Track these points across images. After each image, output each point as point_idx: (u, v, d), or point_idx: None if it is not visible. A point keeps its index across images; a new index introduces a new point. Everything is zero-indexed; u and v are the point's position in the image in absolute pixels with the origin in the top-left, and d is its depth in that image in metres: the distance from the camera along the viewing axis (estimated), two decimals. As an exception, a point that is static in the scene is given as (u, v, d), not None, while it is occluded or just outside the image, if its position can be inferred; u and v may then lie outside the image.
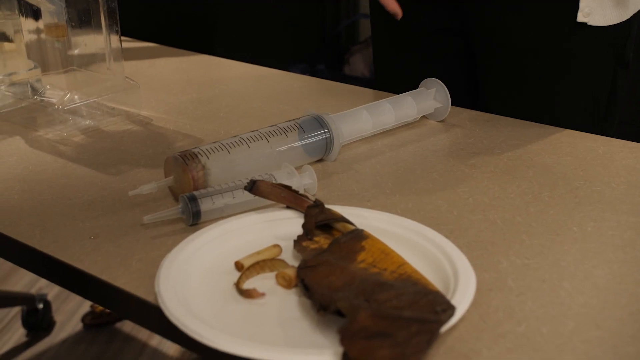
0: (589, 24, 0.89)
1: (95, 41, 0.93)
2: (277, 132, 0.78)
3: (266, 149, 0.76)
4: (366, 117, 0.84)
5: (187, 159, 0.71)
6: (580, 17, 0.88)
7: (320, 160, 0.81)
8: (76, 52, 0.93)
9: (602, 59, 0.93)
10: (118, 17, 0.93)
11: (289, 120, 0.80)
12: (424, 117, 0.94)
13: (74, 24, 0.90)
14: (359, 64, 2.32)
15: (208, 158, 0.72)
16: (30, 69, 0.95)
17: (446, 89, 0.89)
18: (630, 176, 0.77)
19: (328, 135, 0.80)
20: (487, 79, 1.01)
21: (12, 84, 0.96)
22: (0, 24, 0.95)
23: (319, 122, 0.80)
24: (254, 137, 0.76)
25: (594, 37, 0.90)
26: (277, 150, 0.77)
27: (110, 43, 0.93)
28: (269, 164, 0.76)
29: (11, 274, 2.02)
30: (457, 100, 1.01)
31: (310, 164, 0.79)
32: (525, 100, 0.97)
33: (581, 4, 0.88)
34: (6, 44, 0.96)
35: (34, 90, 0.94)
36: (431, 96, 0.91)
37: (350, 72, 2.35)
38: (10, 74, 0.96)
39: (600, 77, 0.94)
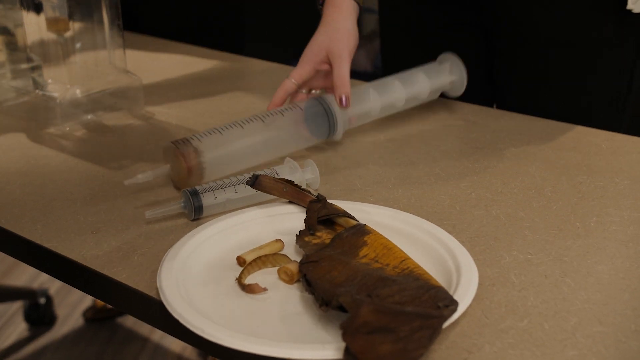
0: (633, 11, 0.88)
1: (97, 35, 0.93)
2: (273, 113, 0.78)
3: (262, 131, 0.76)
4: (374, 96, 0.83)
5: (179, 143, 0.72)
6: (630, 4, 0.87)
7: (323, 152, 0.81)
8: (78, 46, 0.92)
9: (624, 51, 0.92)
10: (120, 11, 0.92)
11: (288, 105, 0.80)
12: (432, 102, 0.92)
13: (75, 18, 0.90)
14: (362, 58, 2.32)
15: (200, 140, 0.72)
16: (33, 63, 0.95)
17: (461, 62, 0.87)
18: (634, 171, 0.76)
19: (328, 110, 0.79)
20: (506, 74, 0.99)
21: (15, 78, 0.95)
22: (1, 18, 0.95)
23: (320, 103, 0.80)
24: (248, 120, 0.76)
25: (621, 27, 0.90)
26: (274, 129, 0.76)
27: (112, 37, 0.93)
28: (266, 144, 0.76)
29: (13, 268, 2.03)
30: (471, 95, 1.00)
31: (314, 155, 0.79)
32: (547, 95, 0.96)
33: None
34: (8, 38, 0.95)
35: (36, 84, 0.94)
36: (446, 71, 0.88)
37: (353, 66, 2.34)
38: (12, 67, 0.95)
39: (622, 69, 0.93)
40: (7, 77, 0.96)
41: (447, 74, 0.88)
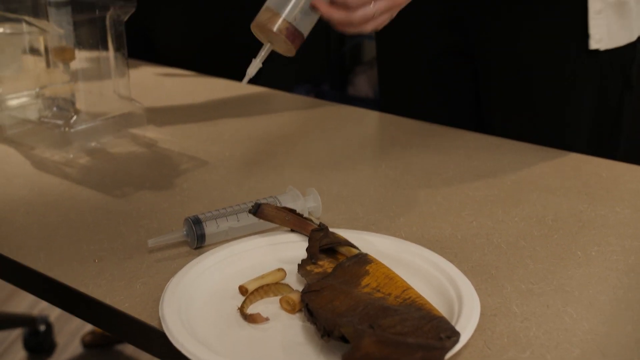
0: (600, 49, 0.89)
1: (102, 63, 0.94)
2: None
3: None
4: None
5: None
6: (593, 44, 0.89)
7: (326, 179, 0.81)
8: (83, 74, 0.93)
9: (608, 81, 0.93)
10: (125, 41, 0.93)
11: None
12: (432, 129, 0.93)
13: (81, 47, 0.91)
14: (363, 84, 2.33)
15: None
16: (64, 83, 0.94)
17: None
18: (634, 200, 0.77)
19: None
20: (492, 101, 1.01)
21: (20, 105, 0.96)
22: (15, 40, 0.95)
23: None
24: None
25: (601, 59, 0.91)
26: None
27: (116, 65, 0.94)
28: None
29: (13, 295, 2.02)
30: (462, 122, 1.01)
31: (316, 182, 0.79)
32: (531, 122, 0.97)
33: (591, 32, 0.88)
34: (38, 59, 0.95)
35: (42, 112, 0.95)
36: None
37: (355, 92, 2.36)
38: (41, 88, 0.95)
39: (607, 99, 0.94)
40: (12, 104, 0.96)
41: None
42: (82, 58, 0.92)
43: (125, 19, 0.93)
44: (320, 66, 2.43)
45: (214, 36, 1.35)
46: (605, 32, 0.88)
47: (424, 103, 1.07)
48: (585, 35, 0.89)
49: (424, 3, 1.00)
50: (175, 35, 1.43)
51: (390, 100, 1.13)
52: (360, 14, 0.68)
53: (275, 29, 0.71)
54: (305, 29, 0.74)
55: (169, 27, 1.43)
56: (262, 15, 0.72)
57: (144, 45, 1.44)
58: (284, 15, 0.71)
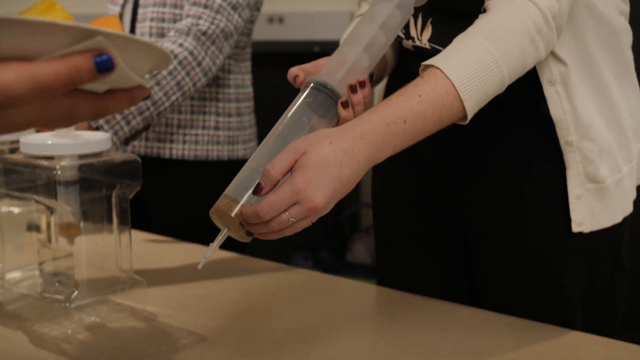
0: (584, 232, 0.92)
1: (105, 238, 0.97)
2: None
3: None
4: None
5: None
6: (575, 227, 0.91)
7: (325, 357, 0.81)
8: (86, 248, 0.96)
9: (597, 262, 0.95)
10: (129, 217, 0.97)
11: None
12: (431, 304, 0.94)
13: (86, 222, 0.94)
14: (361, 251, 2.36)
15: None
16: (61, 258, 0.96)
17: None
18: (635, 381, 0.76)
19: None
20: (484, 278, 1.02)
21: (22, 280, 0.98)
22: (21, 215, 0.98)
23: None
24: None
25: (586, 241, 0.93)
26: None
27: (120, 241, 0.96)
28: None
29: None
30: (459, 298, 1.02)
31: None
32: (523, 299, 0.98)
33: (572, 215, 0.91)
34: (39, 235, 0.98)
35: (43, 286, 0.96)
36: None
37: (352, 259, 2.38)
38: (43, 262, 0.97)
39: (598, 279, 0.96)
40: (13, 278, 0.98)
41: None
42: (85, 232, 0.95)
43: (131, 196, 0.97)
44: (319, 233, 2.48)
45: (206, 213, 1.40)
46: (587, 215, 0.91)
47: (419, 274, 1.09)
48: (568, 218, 0.92)
49: (416, 183, 1.05)
50: (169, 208, 1.48)
51: (387, 269, 1.15)
52: (275, 222, 0.71)
53: (233, 214, 0.75)
54: None
55: (163, 200, 1.49)
56: (220, 202, 0.77)
57: (138, 214, 1.49)
58: (242, 202, 0.75)
